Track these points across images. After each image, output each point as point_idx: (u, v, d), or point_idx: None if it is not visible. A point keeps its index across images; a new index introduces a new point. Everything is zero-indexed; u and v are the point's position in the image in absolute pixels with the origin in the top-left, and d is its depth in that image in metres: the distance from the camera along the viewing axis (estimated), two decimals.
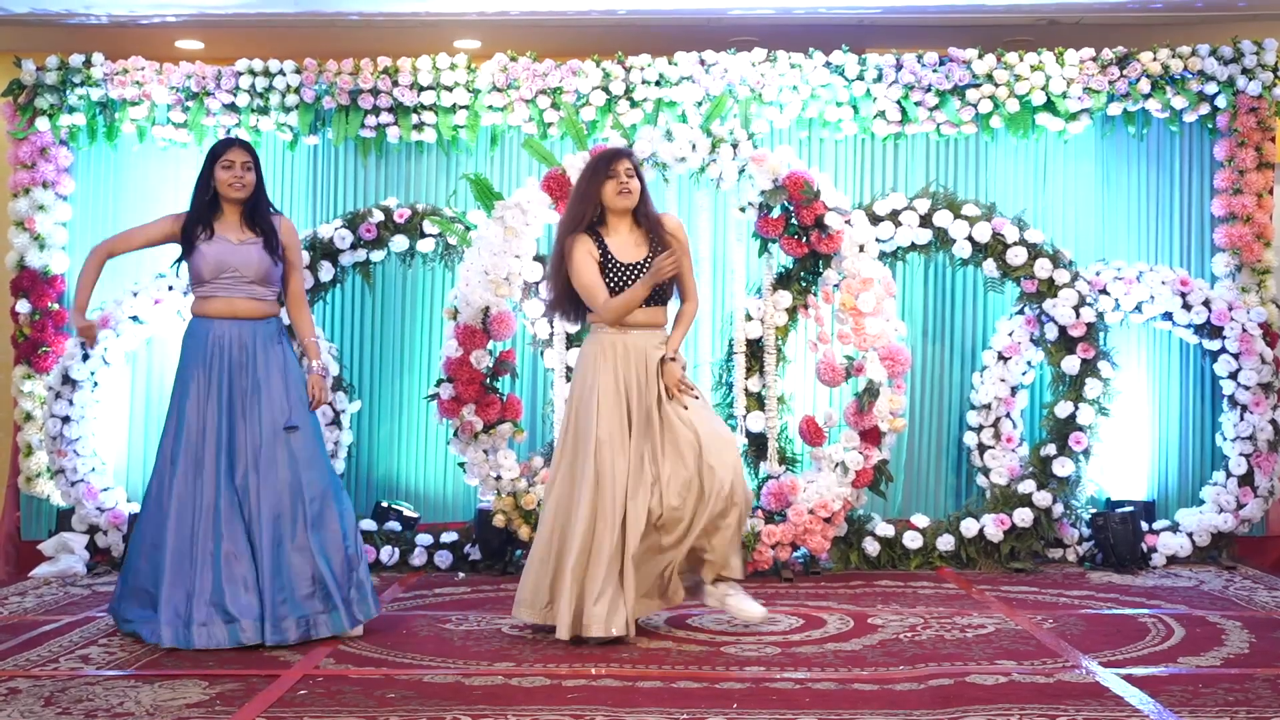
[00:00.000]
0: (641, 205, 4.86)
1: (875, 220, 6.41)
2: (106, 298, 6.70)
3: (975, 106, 6.69)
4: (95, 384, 6.58)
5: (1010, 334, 6.58)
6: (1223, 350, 6.56)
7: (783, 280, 6.30)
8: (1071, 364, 6.33)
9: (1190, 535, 6.50)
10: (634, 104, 6.69)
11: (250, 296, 4.85)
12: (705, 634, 4.82)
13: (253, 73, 6.73)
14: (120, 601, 4.82)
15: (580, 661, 4.38)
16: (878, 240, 6.31)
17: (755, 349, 6.30)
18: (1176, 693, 3.93)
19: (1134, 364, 6.79)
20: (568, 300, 4.89)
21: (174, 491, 4.71)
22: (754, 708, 3.79)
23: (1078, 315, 6.30)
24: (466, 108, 6.73)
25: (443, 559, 6.39)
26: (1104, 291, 6.52)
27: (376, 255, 6.58)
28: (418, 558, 6.37)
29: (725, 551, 4.71)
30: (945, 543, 6.36)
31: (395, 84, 6.69)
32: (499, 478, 6.06)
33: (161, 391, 6.83)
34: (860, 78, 6.70)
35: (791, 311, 6.30)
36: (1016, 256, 6.35)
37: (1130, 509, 6.48)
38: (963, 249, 6.44)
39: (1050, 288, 6.36)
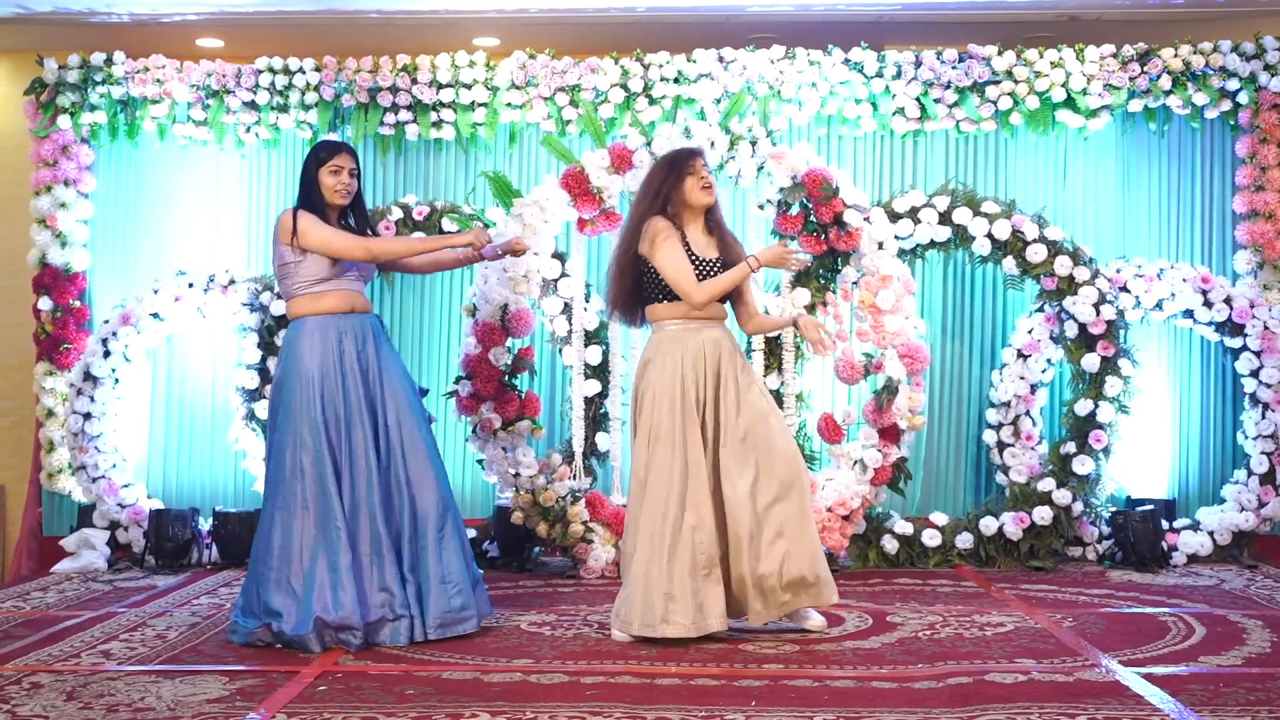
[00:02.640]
0: (716, 208, 4.83)
1: (894, 217, 6.39)
2: (127, 295, 6.75)
3: (995, 103, 6.68)
4: (116, 381, 6.62)
5: (1030, 331, 6.56)
6: (1244, 348, 6.53)
7: (801, 277, 6.29)
8: (1091, 362, 6.31)
9: (1211, 534, 6.47)
10: (652, 101, 6.69)
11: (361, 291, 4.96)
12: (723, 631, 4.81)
13: (272, 71, 6.76)
14: None
15: (599, 659, 4.39)
16: (897, 237, 6.30)
17: (774, 346, 6.29)
18: (1197, 692, 3.91)
19: (1154, 362, 6.77)
20: (635, 291, 4.77)
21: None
22: (772, 705, 3.78)
23: (1098, 313, 6.28)
24: (485, 105, 6.74)
25: None
26: (1124, 289, 6.49)
27: None
28: None
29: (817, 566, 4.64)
30: (964, 541, 6.34)
31: (414, 82, 6.70)
32: (517, 475, 6.07)
33: (182, 388, 6.87)
34: (879, 74, 6.69)
35: (810, 309, 6.29)
36: (1036, 254, 6.33)
37: (1150, 507, 6.45)
38: (982, 246, 6.42)
39: (1070, 285, 6.33)
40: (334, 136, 6.83)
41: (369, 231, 4.99)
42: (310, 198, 4.82)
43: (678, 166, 4.76)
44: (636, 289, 4.78)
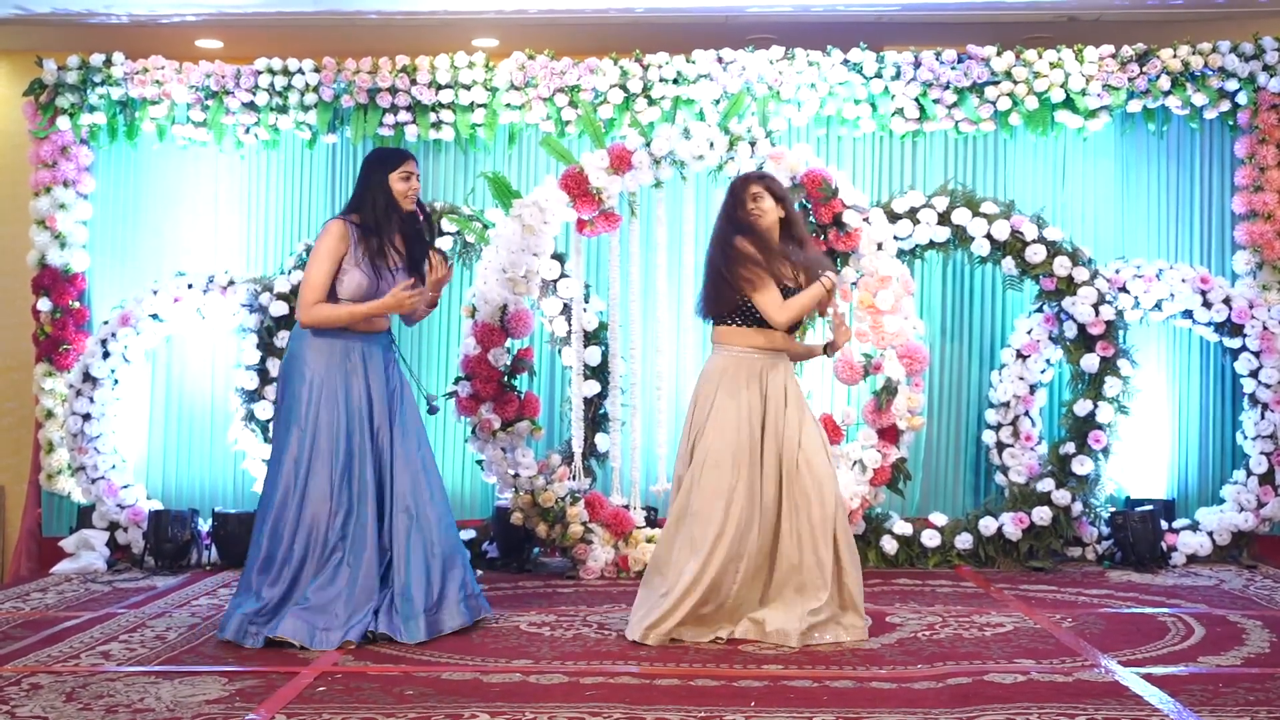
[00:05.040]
0: (786, 232, 4.75)
1: (893, 218, 6.39)
2: (127, 296, 6.75)
3: (994, 104, 6.68)
4: (116, 381, 6.62)
5: (1029, 332, 6.56)
6: (1243, 348, 6.54)
7: None
8: (1091, 362, 6.31)
9: (1210, 534, 6.47)
10: (652, 102, 6.69)
11: None
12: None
13: (272, 71, 6.76)
14: None
15: (598, 660, 4.39)
16: (896, 238, 6.30)
17: None
18: (1196, 692, 3.91)
19: (1154, 362, 6.77)
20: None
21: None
22: (772, 706, 3.79)
23: (1097, 313, 6.28)
24: (484, 106, 6.74)
25: None
26: (1123, 289, 6.50)
27: None
28: None
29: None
30: (963, 541, 6.34)
31: (413, 82, 6.71)
32: (517, 475, 6.07)
33: (181, 389, 6.87)
34: (878, 75, 6.69)
35: None
36: (1035, 254, 6.33)
37: (1150, 507, 6.45)
38: (981, 247, 6.42)
39: (1069, 285, 6.34)
40: (333, 139, 6.83)
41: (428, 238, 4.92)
42: (365, 204, 4.76)
43: (736, 192, 4.75)
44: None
